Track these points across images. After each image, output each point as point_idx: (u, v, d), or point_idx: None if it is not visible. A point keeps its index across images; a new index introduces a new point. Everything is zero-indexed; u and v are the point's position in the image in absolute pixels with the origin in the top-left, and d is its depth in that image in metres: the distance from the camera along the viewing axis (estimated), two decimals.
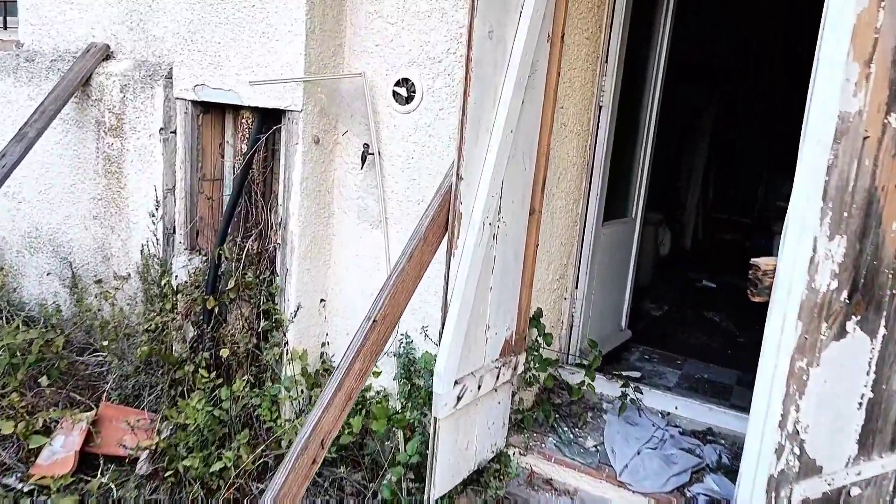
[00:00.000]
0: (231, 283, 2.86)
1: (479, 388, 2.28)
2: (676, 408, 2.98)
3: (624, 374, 3.52)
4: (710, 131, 7.48)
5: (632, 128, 3.55)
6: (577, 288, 3.23)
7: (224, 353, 2.74)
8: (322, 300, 3.05)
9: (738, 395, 3.49)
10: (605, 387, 3.08)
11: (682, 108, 6.24)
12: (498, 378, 2.40)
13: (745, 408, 3.24)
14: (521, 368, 2.57)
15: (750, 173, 9.05)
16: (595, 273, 3.30)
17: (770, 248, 7.07)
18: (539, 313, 2.71)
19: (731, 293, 5.80)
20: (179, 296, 3.02)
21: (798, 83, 7.74)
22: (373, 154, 2.83)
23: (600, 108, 3.08)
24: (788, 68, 7.65)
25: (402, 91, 2.75)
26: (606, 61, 3.03)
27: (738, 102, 7.66)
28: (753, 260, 1.74)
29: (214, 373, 2.83)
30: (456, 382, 2.17)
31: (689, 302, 5.37)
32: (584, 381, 2.81)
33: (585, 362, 3.28)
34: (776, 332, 1.71)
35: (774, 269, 1.70)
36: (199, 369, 2.74)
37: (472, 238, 2.11)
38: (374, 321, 1.82)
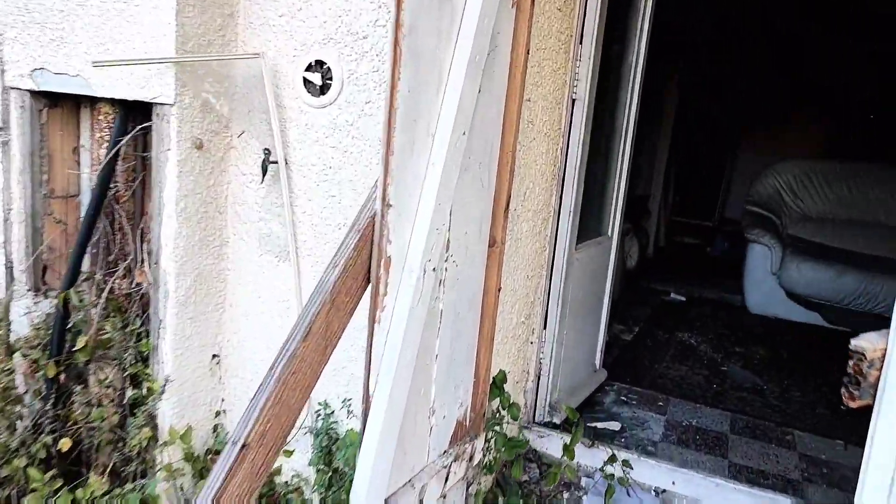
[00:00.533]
0: (82, 341, 2.08)
1: (420, 502, 1.59)
2: (674, 483, 2.36)
3: (600, 426, 2.89)
4: (672, 124, 6.95)
5: (608, 125, 2.93)
6: (545, 328, 2.58)
7: (64, 444, 1.96)
8: (215, 356, 2.30)
9: (735, 448, 2.91)
10: (584, 455, 2.43)
11: (645, 98, 5.63)
12: (447, 480, 1.71)
13: (748, 472, 2.66)
14: (478, 457, 1.90)
15: (711, 172, 8.67)
16: (567, 308, 2.65)
17: (735, 253, 6.64)
18: (502, 378, 2.03)
19: (700, 307, 5.29)
20: (17, 356, 2.22)
21: (773, 68, 7.14)
22: (276, 162, 2.10)
23: (574, 101, 2.43)
24: (755, 54, 7.24)
25: (316, 78, 2.03)
26: (581, 42, 2.38)
27: (699, 89, 7.16)
28: (856, 343, 1.10)
29: (58, 468, 2.05)
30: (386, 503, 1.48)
31: (659, 320, 4.82)
32: (561, 465, 2.15)
33: (556, 420, 2.63)
34: (887, 453, 1.08)
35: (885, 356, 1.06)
36: (32, 465, 1.96)
37: (407, 292, 1.41)
38: (243, 446, 1.11)
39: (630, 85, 2.94)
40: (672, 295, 5.54)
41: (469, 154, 1.59)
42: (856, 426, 3.34)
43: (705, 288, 5.78)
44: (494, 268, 1.80)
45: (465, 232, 1.66)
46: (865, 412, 1.16)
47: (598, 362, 3.19)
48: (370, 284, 1.37)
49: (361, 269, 1.34)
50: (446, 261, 1.59)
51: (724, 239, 7.52)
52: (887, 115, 7.38)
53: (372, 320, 1.38)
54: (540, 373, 2.61)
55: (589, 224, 2.83)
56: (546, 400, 2.63)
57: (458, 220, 1.61)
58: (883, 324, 3.92)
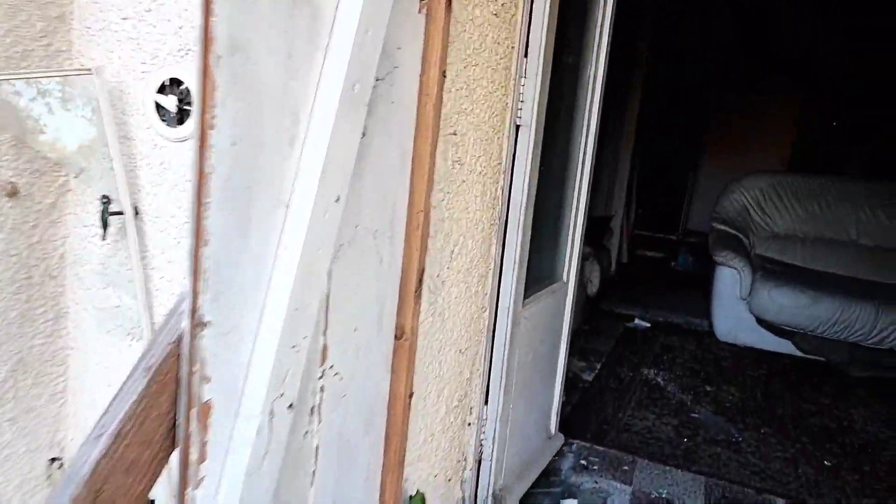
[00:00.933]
0: None
1: None
2: None
3: None
4: (634, 132, 6.56)
5: (562, 151, 2.48)
6: (486, 404, 2.11)
7: None
8: (54, 459, 1.77)
9: None
10: None
11: (604, 108, 5.16)
12: None
13: None
14: None
15: (674, 183, 8.40)
16: (514, 376, 2.19)
17: (700, 268, 6.31)
18: (420, 502, 1.55)
19: (666, 335, 4.91)
20: None
21: (742, 58, 6.92)
22: (122, 213, 1.59)
23: (518, 127, 1.97)
24: (722, 42, 6.98)
25: (170, 102, 1.52)
26: (527, 55, 1.91)
27: (661, 90, 6.82)
28: None
29: None
30: None
31: (623, 354, 4.41)
32: None
33: None
34: None
35: None
36: None
37: (242, 449, 0.92)
38: None
39: (588, 103, 2.49)
40: (636, 321, 5.15)
41: (354, 223, 1.11)
42: (842, 488, 2.97)
43: (671, 311, 5.41)
44: (403, 367, 1.32)
45: (355, 328, 1.18)
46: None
47: (553, 427, 2.73)
48: (177, 449, 0.87)
49: (158, 427, 0.84)
50: (322, 377, 1.10)
51: (689, 252, 7.24)
52: (850, 123, 7.25)
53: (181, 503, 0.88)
54: (481, 457, 2.14)
55: (540, 270, 2.38)
56: (489, 490, 2.16)
57: (341, 315, 1.12)
58: (858, 352, 3.52)
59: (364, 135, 1.06)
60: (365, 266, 1.17)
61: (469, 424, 2.05)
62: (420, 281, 1.32)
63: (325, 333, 1.09)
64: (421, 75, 1.24)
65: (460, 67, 1.51)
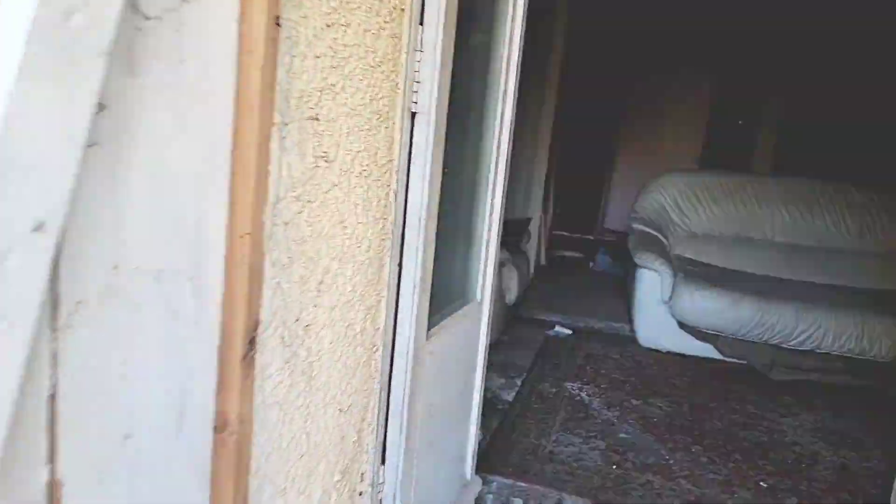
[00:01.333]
0: None
1: None
2: None
3: None
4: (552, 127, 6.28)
5: (472, 146, 2.07)
6: (384, 463, 1.67)
7: None
8: None
9: None
10: None
11: (519, 95, 4.76)
12: None
13: None
14: None
15: (591, 181, 8.30)
16: (419, 422, 1.76)
17: (619, 268, 6.14)
18: None
19: (588, 343, 4.63)
20: None
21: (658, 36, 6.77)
22: None
23: (413, 115, 1.54)
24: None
25: None
26: (422, 21, 1.49)
27: (577, 85, 6.60)
28: None
29: None
30: None
31: (545, 367, 4.08)
32: None
33: None
34: None
35: None
36: None
37: None
38: None
39: (502, 89, 2.10)
40: (557, 328, 4.85)
41: (111, 261, 0.64)
42: None
43: (592, 315, 5.16)
44: (230, 472, 0.86)
45: (126, 436, 0.71)
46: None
47: (469, 471, 2.33)
48: None
49: None
50: None
51: (607, 253, 7.08)
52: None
53: None
54: None
55: (449, 290, 1.96)
56: None
57: (88, 423, 0.65)
58: (780, 355, 3.31)
59: (104, 107, 0.60)
60: (141, 329, 0.71)
61: (360, 494, 1.60)
62: (252, 340, 0.86)
63: (51, 462, 0.62)
64: (239, 22, 0.78)
65: (321, 25, 1.06)
